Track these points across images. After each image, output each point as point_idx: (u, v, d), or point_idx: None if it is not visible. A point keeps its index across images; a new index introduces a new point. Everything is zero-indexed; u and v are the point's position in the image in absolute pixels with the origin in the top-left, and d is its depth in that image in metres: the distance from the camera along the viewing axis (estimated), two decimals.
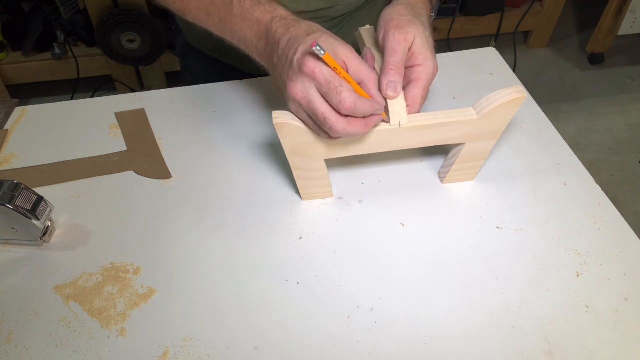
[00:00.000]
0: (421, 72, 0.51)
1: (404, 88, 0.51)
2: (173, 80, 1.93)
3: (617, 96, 1.99)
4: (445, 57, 0.80)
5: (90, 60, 1.80)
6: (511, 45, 1.95)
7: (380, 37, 0.51)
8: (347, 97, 0.44)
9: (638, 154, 1.76)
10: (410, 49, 0.51)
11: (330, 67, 0.44)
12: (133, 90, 1.86)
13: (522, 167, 0.64)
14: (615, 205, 0.59)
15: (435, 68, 0.52)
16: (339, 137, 0.48)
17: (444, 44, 1.94)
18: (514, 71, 0.78)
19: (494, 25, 1.88)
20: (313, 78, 0.44)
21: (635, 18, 1.90)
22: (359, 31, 0.59)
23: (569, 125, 1.86)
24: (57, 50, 1.73)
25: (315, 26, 0.48)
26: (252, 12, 0.51)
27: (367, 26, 0.59)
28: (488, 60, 0.80)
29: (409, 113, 0.50)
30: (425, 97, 0.52)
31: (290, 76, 0.46)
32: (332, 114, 0.45)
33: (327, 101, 0.45)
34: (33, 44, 1.73)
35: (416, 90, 0.51)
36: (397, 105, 0.49)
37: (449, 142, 0.55)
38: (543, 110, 0.71)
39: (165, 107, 0.73)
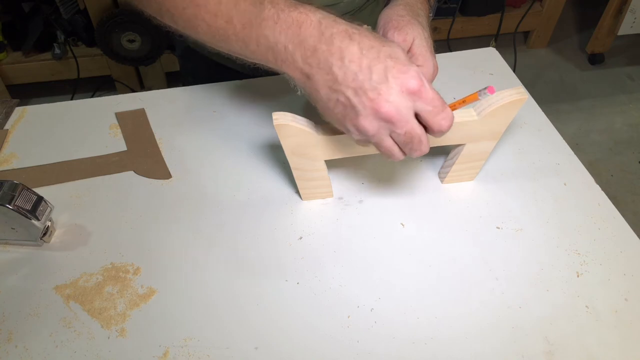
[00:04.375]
0: None
1: None
2: (173, 80, 1.93)
3: (617, 96, 1.99)
4: (445, 57, 0.80)
5: (90, 60, 1.80)
6: (511, 45, 1.94)
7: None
8: (451, 114, 0.43)
9: (638, 154, 1.76)
10: (409, 50, 0.51)
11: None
12: (133, 90, 1.86)
13: (522, 167, 0.64)
14: (615, 205, 0.59)
15: (435, 69, 0.52)
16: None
17: (444, 44, 1.94)
18: (514, 71, 0.78)
19: (494, 25, 1.88)
20: (418, 96, 0.41)
21: (635, 18, 1.90)
22: None
23: (569, 125, 1.86)
24: (57, 50, 1.73)
25: (377, 35, 0.44)
26: (288, 13, 0.44)
27: (365, 26, 0.59)
28: (488, 60, 0.80)
29: None
30: None
31: (384, 95, 0.41)
32: (425, 136, 0.44)
33: (419, 121, 0.43)
34: (33, 44, 1.73)
35: None
36: None
37: (449, 143, 0.55)
38: (543, 110, 0.71)
39: (165, 107, 0.73)
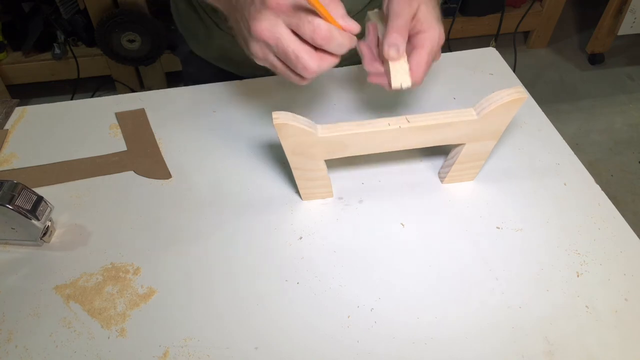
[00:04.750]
0: (426, 39, 0.49)
1: (408, 55, 0.49)
2: (173, 80, 1.93)
3: (617, 96, 1.99)
4: (445, 57, 0.80)
5: (90, 60, 1.80)
6: (511, 45, 1.95)
7: (385, 5, 0.50)
8: (322, 24, 0.39)
9: (638, 154, 1.76)
10: (414, 16, 0.49)
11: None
12: (133, 90, 1.87)
13: (522, 167, 0.64)
14: (615, 205, 0.59)
15: (441, 36, 0.50)
16: (310, 79, 0.44)
17: (444, 44, 1.95)
18: (514, 71, 0.78)
19: (494, 25, 1.88)
20: (279, 10, 0.40)
21: (635, 18, 1.90)
22: (367, 14, 0.59)
23: (569, 125, 1.87)
24: (57, 50, 1.73)
25: None
26: None
27: (376, 10, 0.59)
28: (488, 60, 0.80)
29: (412, 79, 0.49)
30: (429, 64, 0.50)
31: (252, 15, 0.41)
32: (304, 51, 0.41)
33: (297, 36, 0.41)
34: (33, 44, 1.73)
35: (420, 56, 0.49)
36: (400, 68, 0.48)
37: (449, 143, 0.55)
38: (543, 110, 0.71)
39: (165, 107, 0.73)
